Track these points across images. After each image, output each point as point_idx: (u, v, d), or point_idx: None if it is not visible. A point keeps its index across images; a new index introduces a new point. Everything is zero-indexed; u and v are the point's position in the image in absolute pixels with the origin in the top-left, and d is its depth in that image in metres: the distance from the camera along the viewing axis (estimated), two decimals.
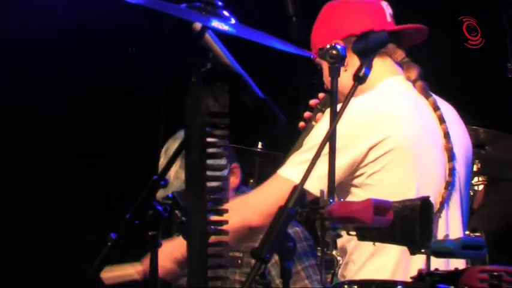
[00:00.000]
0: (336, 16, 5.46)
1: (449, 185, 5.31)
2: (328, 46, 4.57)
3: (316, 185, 4.36)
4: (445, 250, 4.48)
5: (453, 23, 6.23)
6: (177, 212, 4.36)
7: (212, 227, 4.25)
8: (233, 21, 4.38)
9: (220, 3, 4.37)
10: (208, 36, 4.32)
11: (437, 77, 5.86)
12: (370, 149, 5.20)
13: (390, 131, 5.17)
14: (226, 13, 4.37)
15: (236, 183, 6.61)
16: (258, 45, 4.48)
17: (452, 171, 5.21)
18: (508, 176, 5.15)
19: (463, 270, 4.45)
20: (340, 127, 4.51)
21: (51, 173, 7.97)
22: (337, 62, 4.57)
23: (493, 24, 6.07)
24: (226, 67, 4.38)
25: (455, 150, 5.26)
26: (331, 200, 4.36)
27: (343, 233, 4.39)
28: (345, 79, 5.12)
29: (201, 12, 4.31)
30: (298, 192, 4.23)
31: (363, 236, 4.41)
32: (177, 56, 4.32)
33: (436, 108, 5.32)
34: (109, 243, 4.38)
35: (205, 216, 4.23)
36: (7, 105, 8.32)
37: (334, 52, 4.56)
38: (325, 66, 5.47)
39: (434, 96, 5.38)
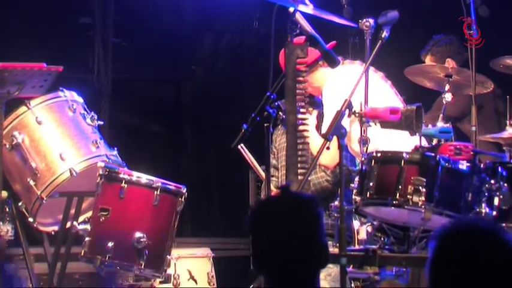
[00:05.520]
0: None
1: None
2: (364, 20, 4.74)
3: None
4: (430, 133, 4.66)
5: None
6: (280, 113, 4.59)
7: (299, 121, 4.55)
8: (311, 6, 4.63)
9: None
10: (298, 15, 4.53)
11: None
12: None
13: None
14: (307, 1, 4.62)
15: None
16: (325, 19, 4.75)
17: None
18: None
19: (440, 145, 4.57)
20: None
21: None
22: (369, 29, 4.74)
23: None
24: (307, 32, 4.56)
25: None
26: (365, 106, 4.66)
27: (372, 123, 4.62)
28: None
29: (293, 1, 4.56)
30: (348, 102, 4.47)
31: (383, 126, 4.62)
32: (280, 27, 4.57)
33: None
34: (243, 130, 4.66)
35: (296, 115, 4.54)
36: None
37: (367, 24, 4.74)
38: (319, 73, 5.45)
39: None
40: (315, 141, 5.16)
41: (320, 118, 5.46)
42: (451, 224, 2.59)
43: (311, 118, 5.40)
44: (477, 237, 2.50)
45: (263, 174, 5.43)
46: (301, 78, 4.57)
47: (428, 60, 6.04)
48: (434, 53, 6.02)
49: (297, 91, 4.56)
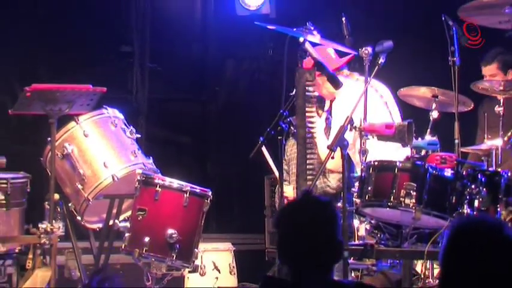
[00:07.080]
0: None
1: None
2: (363, 48, 4.75)
3: None
4: (419, 145, 4.62)
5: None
6: (292, 127, 4.66)
7: (307, 134, 4.51)
8: (318, 36, 4.64)
9: (312, 28, 4.61)
10: (307, 44, 4.54)
11: None
12: None
13: None
14: (315, 32, 4.63)
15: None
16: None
17: None
18: None
19: (428, 155, 4.56)
20: None
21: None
22: (368, 56, 4.76)
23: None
24: (315, 59, 4.57)
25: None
26: (364, 121, 4.68)
27: (370, 137, 4.63)
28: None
29: (302, 32, 4.60)
30: (349, 119, 4.48)
31: (380, 138, 4.63)
32: (291, 54, 4.56)
33: None
34: (260, 142, 4.76)
35: (305, 129, 4.54)
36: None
37: (366, 52, 4.78)
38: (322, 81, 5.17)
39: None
40: (323, 144, 5.11)
41: (327, 126, 5.40)
42: (462, 219, 2.62)
43: (319, 121, 5.32)
44: (484, 230, 2.51)
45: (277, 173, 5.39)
46: (309, 83, 4.49)
47: (493, 67, 5.55)
48: (501, 62, 5.55)
49: (306, 108, 4.51)
